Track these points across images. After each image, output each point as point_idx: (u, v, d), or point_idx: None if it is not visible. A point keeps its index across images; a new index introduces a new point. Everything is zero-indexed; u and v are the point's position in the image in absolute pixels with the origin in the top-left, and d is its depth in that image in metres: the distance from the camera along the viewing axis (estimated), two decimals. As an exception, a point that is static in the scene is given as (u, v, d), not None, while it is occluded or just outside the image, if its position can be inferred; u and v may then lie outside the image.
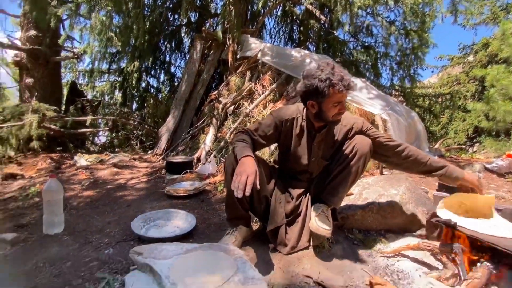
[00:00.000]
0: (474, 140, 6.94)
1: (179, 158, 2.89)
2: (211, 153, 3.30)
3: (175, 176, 2.60)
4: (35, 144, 4.03)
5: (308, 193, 1.50)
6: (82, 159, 3.61)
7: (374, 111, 2.88)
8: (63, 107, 5.49)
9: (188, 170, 2.72)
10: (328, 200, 1.42)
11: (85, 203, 2.08)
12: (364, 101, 2.99)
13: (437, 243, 1.25)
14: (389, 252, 1.39)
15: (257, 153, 1.81)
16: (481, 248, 1.17)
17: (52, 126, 4.24)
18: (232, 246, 1.26)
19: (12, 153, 4.14)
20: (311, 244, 1.43)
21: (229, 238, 1.40)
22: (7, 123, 3.91)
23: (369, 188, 1.75)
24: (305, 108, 1.39)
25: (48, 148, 4.61)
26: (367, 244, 1.51)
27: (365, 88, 3.33)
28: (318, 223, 1.33)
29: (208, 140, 3.47)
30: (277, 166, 1.60)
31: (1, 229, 1.60)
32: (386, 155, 1.44)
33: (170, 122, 4.32)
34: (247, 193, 1.07)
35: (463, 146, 6.58)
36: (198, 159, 3.26)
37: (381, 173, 2.55)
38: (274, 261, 1.33)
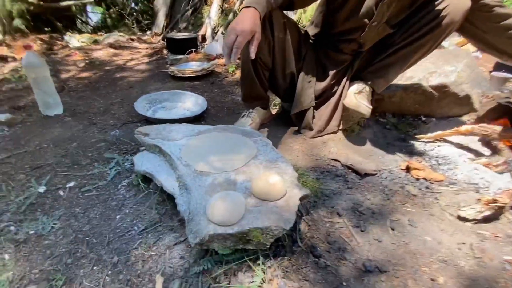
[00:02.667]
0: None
1: (181, 35, 2.45)
2: (218, 30, 2.79)
3: (178, 56, 2.26)
4: (17, 22, 3.54)
5: (349, 70, 1.19)
6: (73, 39, 3.19)
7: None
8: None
9: (193, 50, 2.34)
10: (371, 81, 1.13)
11: (83, 85, 1.88)
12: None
13: (497, 128, 1.04)
14: (428, 137, 1.21)
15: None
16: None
17: (28, -1, 3.57)
18: (250, 128, 1.09)
19: (-1, 36, 3.72)
20: (340, 127, 1.25)
21: (246, 120, 1.23)
22: (-26, -6, 3.28)
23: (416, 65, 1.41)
24: None
25: (36, 29, 4.12)
26: (401, 129, 1.33)
27: None
28: (358, 99, 1.09)
29: (213, 13, 2.87)
30: (312, 33, 1.21)
31: (-4, 110, 1.47)
32: (483, 28, 0.98)
33: (165, -9, 3.53)
34: (233, 60, 0.83)
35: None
36: (204, 38, 2.80)
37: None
38: (296, 144, 1.19)
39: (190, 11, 3.32)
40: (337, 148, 1.14)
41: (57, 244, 0.75)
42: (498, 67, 1.69)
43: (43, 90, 1.36)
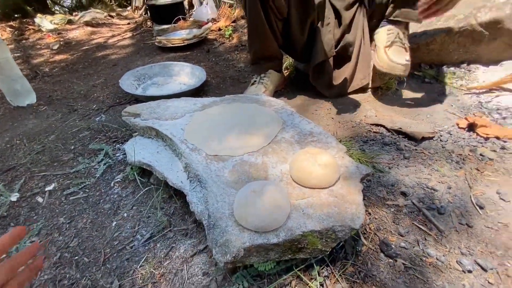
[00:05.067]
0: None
1: (164, 0, 2.12)
2: (206, -7, 2.44)
3: (165, 26, 1.96)
4: (-19, 10, 3.18)
5: (360, 5, 0.93)
6: (44, 21, 2.83)
7: None
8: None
9: (180, 17, 2.04)
10: (403, 15, 0.87)
11: (60, 68, 1.62)
12: None
13: None
14: (482, 86, 1.00)
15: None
16: None
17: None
18: (266, 96, 0.87)
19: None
20: (370, 85, 1.03)
21: (257, 88, 1.00)
22: None
23: None
24: None
25: (6, 16, 3.73)
26: (443, 80, 1.10)
27: None
28: (391, 57, 0.86)
29: (198, -27, 2.50)
30: None
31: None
32: None
33: (140, -45, 3.09)
34: None
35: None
36: (191, 4, 2.46)
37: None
38: (321, 111, 0.98)
39: (172, -25, 2.92)
40: (375, 111, 0.93)
41: (37, 270, 0.56)
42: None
43: (7, 75, 1.12)
